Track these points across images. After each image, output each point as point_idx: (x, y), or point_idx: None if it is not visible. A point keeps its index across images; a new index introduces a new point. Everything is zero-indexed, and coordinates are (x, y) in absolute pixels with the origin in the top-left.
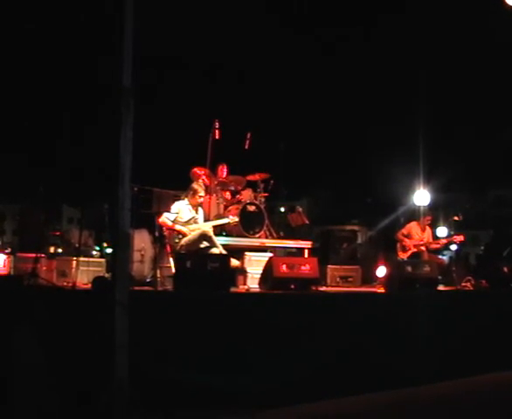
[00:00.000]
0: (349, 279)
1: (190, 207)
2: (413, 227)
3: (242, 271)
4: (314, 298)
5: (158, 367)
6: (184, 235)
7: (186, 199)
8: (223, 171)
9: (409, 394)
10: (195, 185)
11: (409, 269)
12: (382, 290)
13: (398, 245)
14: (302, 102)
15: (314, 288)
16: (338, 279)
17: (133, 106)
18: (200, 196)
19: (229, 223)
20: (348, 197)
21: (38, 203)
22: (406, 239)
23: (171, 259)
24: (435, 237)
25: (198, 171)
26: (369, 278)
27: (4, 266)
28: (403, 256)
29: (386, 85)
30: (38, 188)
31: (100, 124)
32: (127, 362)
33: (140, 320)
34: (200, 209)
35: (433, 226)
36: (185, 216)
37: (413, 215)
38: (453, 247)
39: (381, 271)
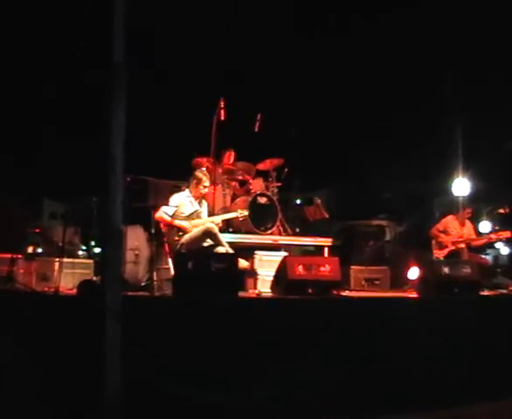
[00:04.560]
0: (376, 282)
1: (191, 199)
2: (451, 221)
3: (252, 272)
4: (336, 304)
5: (154, 382)
6: (185, 231)
7: (187, 190)
8: (230, 158)
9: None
10: (198, 174)
11: (446, 270)
12: (414, 295)
13: (433, 243)
14: (321, 79)
15: (335, 292)
16: (363, 282)
17: (125, 85)
18: (204, 187)
19: (237, 217)
20: (374, 188)
21: (14, 196)
22: (443, 235)
23: (170, 260)
24: (477, 233)
25: (202, 158)
26: (399, 281)
27: None
28: (439, 255)
29: (416, 62)
30: (15, 178)
31: (87, 104)
32: (119, 377)
33: (134, 330)
34: (204, 201)
35: (475, 220)
36: (186, 210)
37: (451, 207)
38: (498, 245)
39: (413, 273)
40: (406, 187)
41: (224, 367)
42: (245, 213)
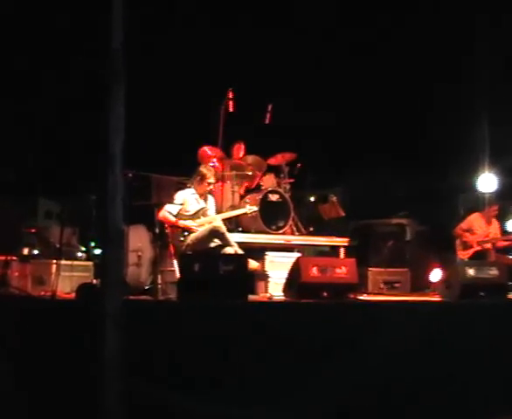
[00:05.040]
0: (396, 285)
1: (197, 196)
2: (476, 219)
3: (262, 275)
4: (353, 308)
5: (157, 394)
6: (191, 231)
7: (192, 187)
8: (239, 151)
9: None
10: (203, 169)
11: (471, 272)
12: (437, 298)
13: (457, 242)
14: (338, 68)
15: (351, 296)
16: (382, 285)
17: (125, 74)
18: (209, 183)
19: (246, 214)
20: (393, 184)
21: (7, 194)
22: (467, 235)
23: (175, 262)
24: (504, 232)
25: (208, 151)
26: (420, 284)
27: None
28: (463, 255)
29: (439, 54)
30: (8, 175)
31: (83, 96)
32: (118, 389)
33: (136, 337)
34: (210, 198)
35: (501, 218)
36: (192, 208)
37: (476, 204)
38: None
39: (435, 275)
40: (429, 183)
41: (233, 378)
42: (255, 209)
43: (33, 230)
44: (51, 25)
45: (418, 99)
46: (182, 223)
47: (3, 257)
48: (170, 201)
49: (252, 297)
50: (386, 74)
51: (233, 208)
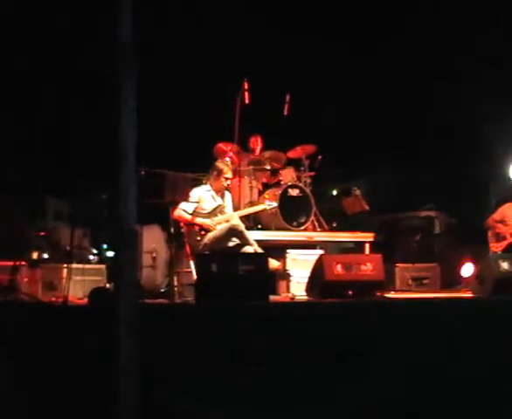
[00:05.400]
0: (425, 281)
1: (213, 193)
2: (509, 209)
3: (284, 274)
4: (380, 307)
5: (175, 400)
6: (208, 230)
7: (208, 183)
8: (256, 144)
9: None
10: (219, 164)
11: (505, 266)
12: (469, 294)
13: (490, 235)
14: (356, 48)
15: (378, 294)
16: (410, 282)
17: (136, 67)
18: (226, 178)
19: (265, 210)
20: (420, 174)
21: (14, 194)
22: (500, 226)
23: (192, 262)
24: None
25: (224, 147)
26: (450, 280)
27: None
28: (496, 248)
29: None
30: (14, 175)
31: (94, 91)
32: (135, 396)
33: (152, 343)
34: (227, 194)
35: None
36: (208, 206)
37: (508, 193)
38: None
39: (467, 270)
40: (457, 172)
41: (254, 384)
42: (275, 205)
43: (42, 233)
44: (60, 21)
45: (445, 86)
46: (198, 220)
47: (11, 263)
48: (185, 199)
49: (273, 297)
50: (413, 58)
51: (252, 204)
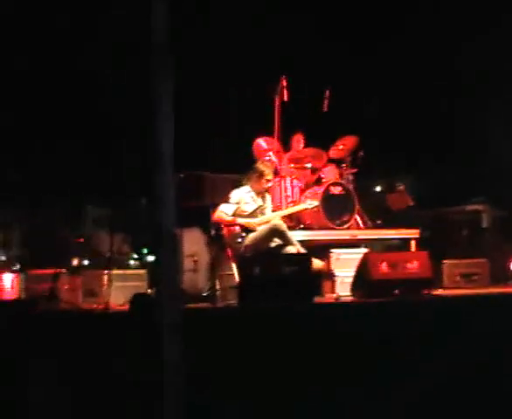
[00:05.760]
0: (474, 278)
1: (253, 194)
2: None
3: (328, 274)
4: (429, 305)
5: (221, 409)
6: (249, 230)
7: (248, 185)
8: (299, 143)
9: None
10: (260, 165)
11: None
12: None
13: None
14: (398, 40)
15: (426, 292)
16: (458, 278)
17: (172, 68)
18: (267, 180)
19: (307, 209)
20: (466, 165)
21: (53, 203)
22: None
23: (234, 265)
24: None
25: (263, 144)
26: (500, 275)
27: (12, 288)
28: None
29: None
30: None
31: (129, 95)
32: (179, 404)
33: (196, 348)
34: (267, 195)
35: None
36: (248, 208)
37: None
38: None
39: None
40: (507, 161)
41: (302, 390)
42: (316, 203)
43: (82, 240)
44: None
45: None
46: (239, 220)
47: (51, 270)
48: (225, 200)
49: (318, 298)
50: (459, 53)
51: (294, 204)
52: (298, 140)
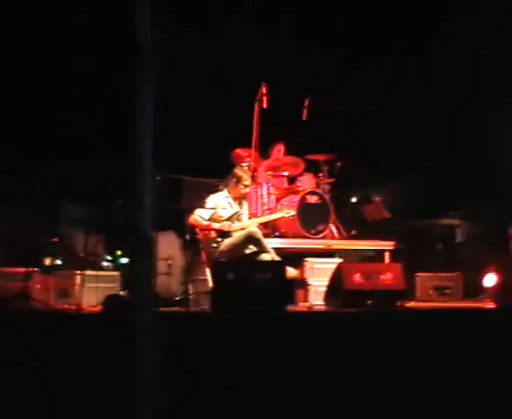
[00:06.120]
0: (447, 291)
1: (230, 200)
2: None
3: (302, 282)
4: (401, 317)
5: (193, 414)
6: (224, 235)
7: (226, 190)
8: (279, 153)
9: None
10: (238, 170)
11: None
12: (492, 305)
13: None
14: (381, 48)
15: (399, 304)
16: (431, 291)
17: (153, 69)
18: (245, 186)
19: (283, 217)
20: (441, 181)
21: (26, 199)
22: None
23: (208, 270)
24: None
25: (241, 152)
26: (473, 290)
27: None
28: None
29: None
30: (29, 179)
31: (109, 93)
32: (152, 407)
33: (168, 352)
34: (244, 202)
35: None
36: (225, 213)
37: None
38: None
39: (490, 280)
40: (482, 178)
41: (271, 397)
42: (292, 212)
43: (56, 239)
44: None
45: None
46: (215, 226)
47: (23, 269)
48: (202, 205)
49: (291, 307)
50: (447, 63)
51: (269, 211)
52: (279, 150)
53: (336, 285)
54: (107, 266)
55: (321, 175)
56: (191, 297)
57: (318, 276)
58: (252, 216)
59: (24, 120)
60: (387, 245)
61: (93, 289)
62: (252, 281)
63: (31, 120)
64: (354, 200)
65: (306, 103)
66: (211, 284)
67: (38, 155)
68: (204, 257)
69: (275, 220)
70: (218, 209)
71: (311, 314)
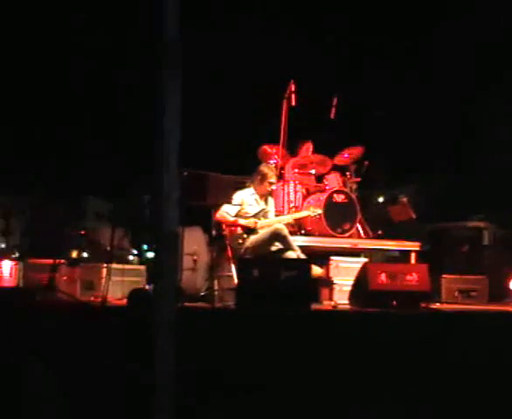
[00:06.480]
0: (472, 294)
1: (256, 197)
2: None
3: (327, 281)
4: (425, 319)
5: (210, 414)
6: (251, 232)
7: (252, 187)
8: (308, 151)
9: None
10: (264, 168)
11: None
12: None
13: None
14: (408, 48)
15: (423, 305)
16: (457, 294)
17: (181, 65)
18: (271, 183)
19: (309, 216)
20: (470, 184)
21: (55, 193)
22: None
23: (233, 266)
24: None
25: (269, 149)
26: (499, 293)
27: (11, 276)
28: None
29: None
30: (55, 173)
31: (136, 89)
32: (172, 401)
33: (191, 347)
34: (270, 199)
35: None
36: (251, 210)
37: None
38: None
39: None
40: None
41: (296, 394)
42: (319, 211)
43: (82, 232)
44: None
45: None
46: (241, 222)
47: (50, 261)
48: (228, 201)
49: (315, 305)
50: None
51: (296, 209)
52: (307, 149)
53: (361, 285)
54: (133, 260)
55: (348, 174)
56: (216, 293)
57: (343, 275)
58: (278, 213)
59: (53, 120)
60: (413, 246)
61: (119, 282)
62: (277, 279)
63: (60, 120)
64: (380, 200)
65: (334, 102)
66: (235, 280)
67: (64, 152)
68: (229, 253)
69: (302, 218)
70: (245, 206)
71: (335, 313)
